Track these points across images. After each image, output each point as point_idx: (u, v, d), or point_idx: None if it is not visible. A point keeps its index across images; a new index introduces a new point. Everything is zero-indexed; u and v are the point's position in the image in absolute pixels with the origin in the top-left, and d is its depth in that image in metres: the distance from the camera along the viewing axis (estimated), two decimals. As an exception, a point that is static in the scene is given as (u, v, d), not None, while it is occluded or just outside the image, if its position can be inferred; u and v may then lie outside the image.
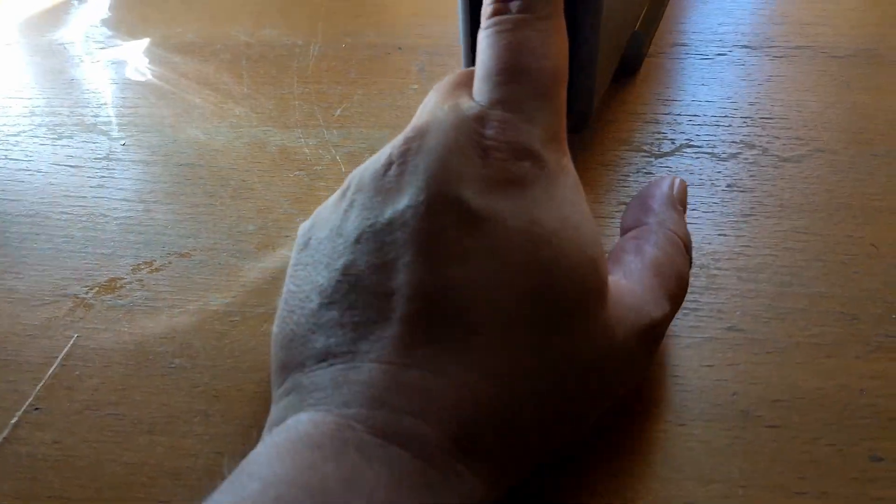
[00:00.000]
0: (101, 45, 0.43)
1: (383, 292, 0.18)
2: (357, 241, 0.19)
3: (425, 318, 0.17)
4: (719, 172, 0.32)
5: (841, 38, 0.38)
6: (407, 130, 0.20)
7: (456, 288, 0.18)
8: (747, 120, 0.34)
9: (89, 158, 0.36)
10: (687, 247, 0.24)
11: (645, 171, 0.33)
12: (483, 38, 0.22)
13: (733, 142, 0.33)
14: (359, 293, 0.18)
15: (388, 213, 0.19)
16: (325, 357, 0.18)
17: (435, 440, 0.16)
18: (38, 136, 0.37)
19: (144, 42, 0.42)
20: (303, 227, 0.21)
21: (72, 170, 0.35)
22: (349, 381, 0.17)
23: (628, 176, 0.32)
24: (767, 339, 0.27)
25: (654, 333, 0.21)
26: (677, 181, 0.25)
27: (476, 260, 0.18)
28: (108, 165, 0.36)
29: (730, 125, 0.34)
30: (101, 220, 0.33)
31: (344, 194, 0.20)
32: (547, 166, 0.20)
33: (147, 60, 0.41)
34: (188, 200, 0.34)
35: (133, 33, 0.43)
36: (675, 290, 0.22)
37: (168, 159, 0.36)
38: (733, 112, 0.35)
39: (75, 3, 0.46)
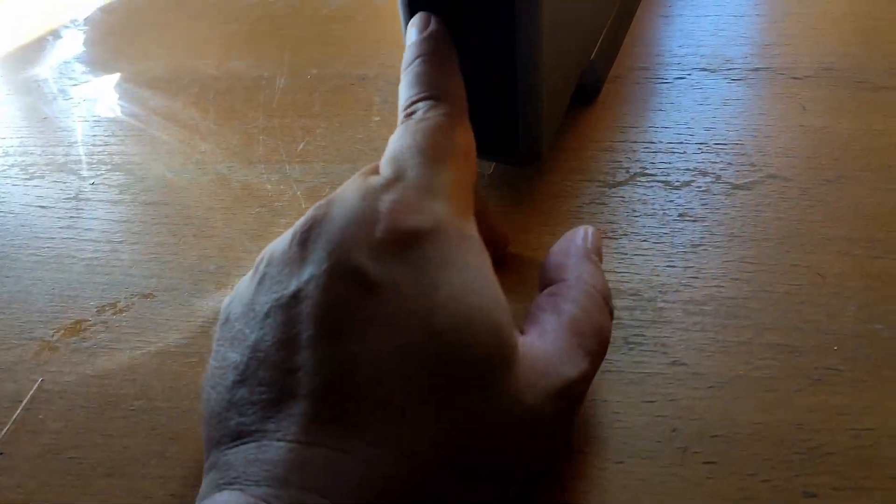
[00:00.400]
0: (75, 82, 0.43)
1: (289, 368, 0.18)
2: (266, 315, 0.19)
3: (328, 395, 0.18)
4: (671, 201, 0.33)
5: (800, 58, 0.38)
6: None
7: (356, 362, 0.18)
8: (702, 146, 0.35)
9: (59, 199, 0.37)
10: (606, 299, 0.24)
11: (598, 201, 0.33)
12: (393, 135, 0.24)
13: (687, 169, 0.34)
14: (267, 370, 0.19)
15: (294, 285, 0.19)
16: (238, 436, 0.18)
17: None
18: (10, 177, 0.38)
19: (115, 77, 0.43)
20: (224, 301, 0.22)
21: (42, 210, 0.36)
22: (259, 460, 0.17)
23: (581, 207, 0.33)
24: (709, 374, 0.27)
25: (571, 394, 0.21)
26: (591, 231, 0.26)
27: (375, 331, 0.18)
28: (76, 206, 0.36)
29: (684, 152, 0.35)
30: (69, 261, 0.34)
31: (257, 268, 0.21)
32: (447, 233, 0.20)
33: (118, 96, 0.42)
34: (153, 240, 0.34)
35: (106, 68, 0.44)
36: (595, 347, 0.22)
37: (135, 198, 0.36)
38: (689, 138, 0.35)
39: (50, 38, 0.47)
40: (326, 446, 0.17)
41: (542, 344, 0.21)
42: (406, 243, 0.19)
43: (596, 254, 0.25)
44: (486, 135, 0.32)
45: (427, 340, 0.18)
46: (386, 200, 0.20)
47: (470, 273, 0.20)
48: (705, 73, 0.38)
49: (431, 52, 0.25)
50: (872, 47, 0.38)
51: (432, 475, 0.18)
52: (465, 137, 0.24)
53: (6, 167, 0.39)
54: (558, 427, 0.21)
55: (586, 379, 0.22)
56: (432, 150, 0.22)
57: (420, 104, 0.24)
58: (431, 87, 0.24)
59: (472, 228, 0.21)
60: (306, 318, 0.19)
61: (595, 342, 0.22)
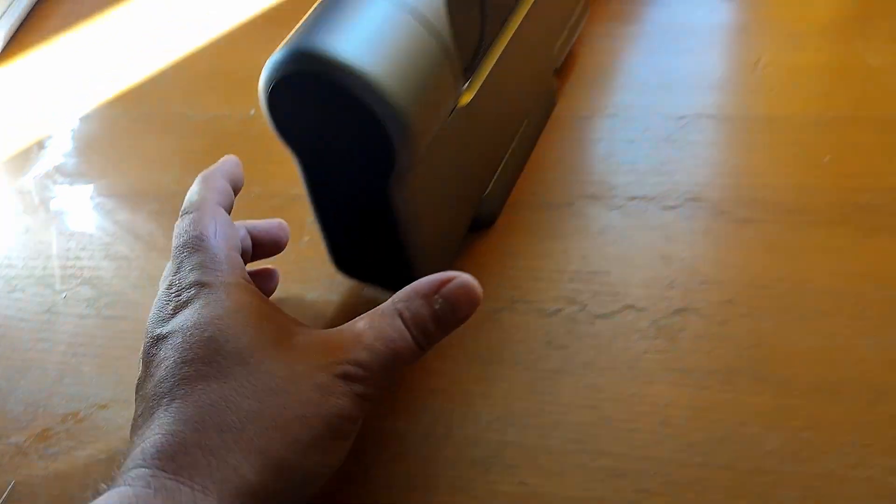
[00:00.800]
0: (54, 194, 0.50)
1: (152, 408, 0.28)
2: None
3: (145, 409, 0.29)
4: (541, 329, 0.38)
5: (673, 188, 0.44)
6: None
7: (155, 380, 0.29)
8: (576, 274, 0.40)
9: (35, 311, 0.43)
10: (408, 323, 0.30)
11: (481, 327, 0.39)
12: None
13: (560, 297, 0.40)
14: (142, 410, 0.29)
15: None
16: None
17: (152, 465, 0.26)
18: (-5, 289, 0.45)
19: (90, 189, 0.50)
20: None
21: (20, 323, 0.43)
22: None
23: (464, 332, 0.38)
24: (548, 494, 0.33)
25: (343, 370, 0.28)
26: (453, 280, 0.30)
27: (172, 360, 0.29)
28: (49, 318, 0.43)
29: (560, 279, 0.40)
30: (40, 372, 0.41)
31: None
32: (209, 287, 0.30)
33: (91, 208, 0.48)
34: (112, 353, 0.41)
35: (83, 179, 0.51)
36: (376, 346, 0.29)
37: (99, 312, 0.43)
38: (565, 266, 0.41)
39: (36, 148, 0.53)
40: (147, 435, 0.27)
41: (321, 336, 0.30)
42: (183, 306, 0.30)
43: (443, 298, 0.30)
44: (382, 273, 0.39)
45: (204, 344, 0.28)
46: (172, 285, 0.32)
47: (230, 303, 0.30)
48: (590, 200, 0.44)
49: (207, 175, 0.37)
50: (738, 178, 0.43)
51: (231, 423, 0.27)
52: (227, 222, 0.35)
53: (-7, 279, 0.46)
54: (333, 392, 0.28)
55: (361, 364, 0.29)
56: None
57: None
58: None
59: (233, 284, 0.31)
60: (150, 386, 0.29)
61: (377, 342, 0.29)
